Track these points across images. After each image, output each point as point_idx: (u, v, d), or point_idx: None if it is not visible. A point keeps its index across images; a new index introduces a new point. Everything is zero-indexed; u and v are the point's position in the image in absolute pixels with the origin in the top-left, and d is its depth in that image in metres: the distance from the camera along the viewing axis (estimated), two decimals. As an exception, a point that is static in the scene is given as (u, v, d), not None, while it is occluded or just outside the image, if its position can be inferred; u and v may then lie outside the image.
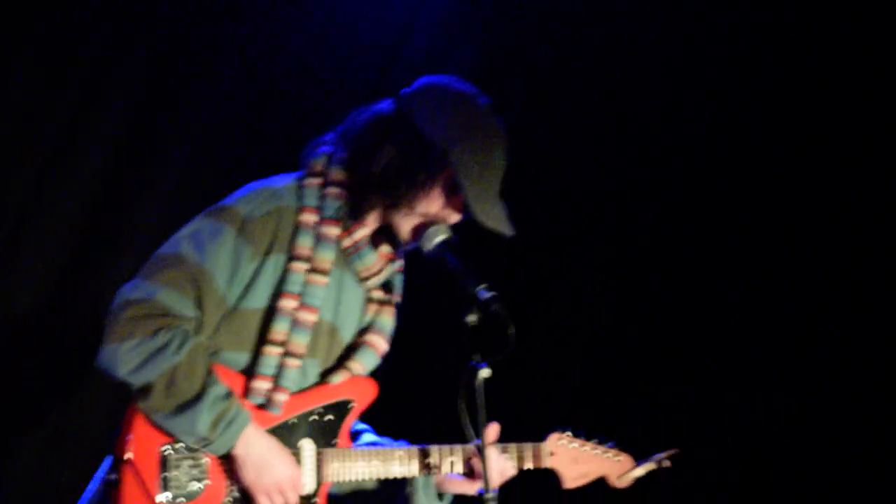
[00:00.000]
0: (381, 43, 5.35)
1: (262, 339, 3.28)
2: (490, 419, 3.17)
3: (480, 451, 3.20)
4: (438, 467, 3.43)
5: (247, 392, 3.28)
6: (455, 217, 3.33)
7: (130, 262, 4.71)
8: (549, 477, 3.61)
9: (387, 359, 3.53)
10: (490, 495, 3.17)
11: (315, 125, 3.56)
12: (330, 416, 3.39)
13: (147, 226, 4.87)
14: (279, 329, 3.27)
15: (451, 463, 3.44)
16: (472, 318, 3.13)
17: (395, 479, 3.44)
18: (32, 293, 4.77)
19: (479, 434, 3.14)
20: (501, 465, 3.46)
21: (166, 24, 4.90)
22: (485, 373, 3.11)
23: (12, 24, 4.65)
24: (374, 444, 3.48)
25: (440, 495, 3.53)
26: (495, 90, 3.44)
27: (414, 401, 4.99)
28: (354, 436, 3.53)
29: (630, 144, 5.53)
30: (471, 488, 3.46)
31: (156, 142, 4.94)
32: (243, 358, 3.31)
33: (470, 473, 3.46)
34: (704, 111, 5.46)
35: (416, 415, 4.30)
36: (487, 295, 3.14)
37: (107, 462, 3.28)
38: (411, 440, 3.50)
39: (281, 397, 3.29)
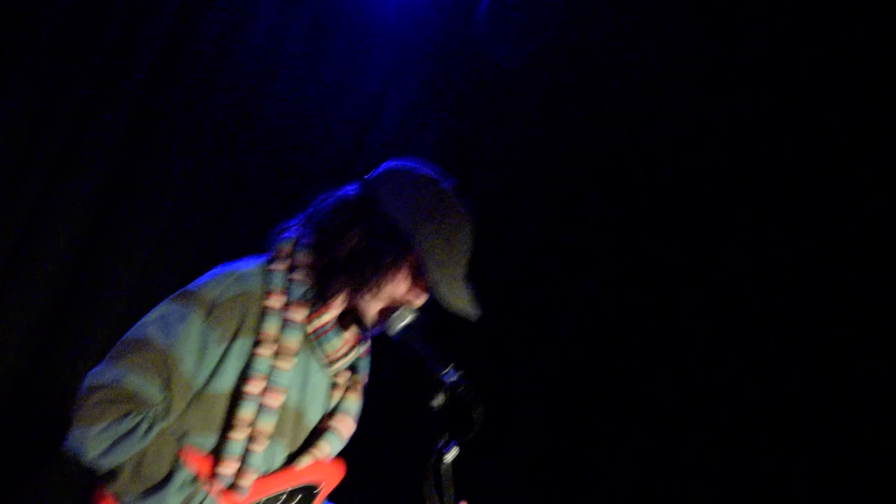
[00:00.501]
0: (349, 123, 5.40)
1: (229, 422, 3.29)
2: (456, 495, 3.16)
3: None
4: None
5: (214, 475, 3.27)
6: (421, 299, 3.35)
7: (130, 276, 4.75)
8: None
9: (357, 439, 3.54)
10: None
11: (284, 202, 3.59)
12: (294, 501, 3.38)
13: (147, 237, 4.95)
14: (245, 413, 3.27)
15: None
16: (437, 402, 3.15)
17: None
18: (36, 302, 4.79)
19: None
20: None
21: (145, 83, 4.94)
22: (451, 455, 3.12)
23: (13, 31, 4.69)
24: None
25: None
26: (464, 165, 3.46)
27: (387, 479, 4.99)
28: None
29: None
30: None
31: (123, 222, 4.99)
32: (210, 440, 3.30)
33: None
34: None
35: (389, 494, 4.29)
36: (453, 377, 3.17)
37: None
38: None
39: (247, 481, 3.28)
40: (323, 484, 3.43)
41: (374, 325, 3.38)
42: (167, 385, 3.22)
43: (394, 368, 3.62)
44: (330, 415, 3.49)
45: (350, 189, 3.41)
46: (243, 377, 3.29)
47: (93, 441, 3.14)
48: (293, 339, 3.32)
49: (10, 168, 4.70)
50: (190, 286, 3.33)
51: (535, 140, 5.59)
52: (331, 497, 3.55)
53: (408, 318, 3.31)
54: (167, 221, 5.07)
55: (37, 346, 4.82)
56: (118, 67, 4.88)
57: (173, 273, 5.00)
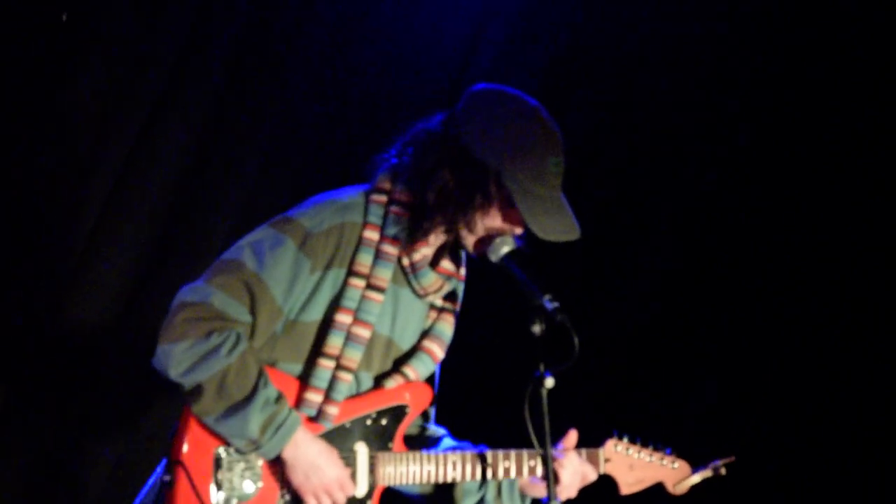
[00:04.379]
0: (449, 48, 5.38)
1: (317, 351, 3.32)
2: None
3: (544, 461, 3.20)
4: (494, 473, 3.43)
5: (299, 403, 3.32)
6: (518, 230, 3.33)
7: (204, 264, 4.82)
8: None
9: (451, 366, 3.55)
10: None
11: (384, 131, 3.60)
12: (384, 421, 3.40)
13: (222, 228, 4.94)
14: (333, 343, 3.31)
15: (506, 468, 3.44)
16: (536, 328, 3.15)
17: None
18: (109, 295, 4.87)
19: (543, 443, 3.15)
20: (583, 469, 3.48)
21: (243, 29, 4.97)
22: (549, 382, 3.14)
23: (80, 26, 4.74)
24: (450, 448, 3.48)
25: (523, 497, 3.54)
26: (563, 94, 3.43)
27: (480, 407, 5.02)
28: (433, 441, 3.56)
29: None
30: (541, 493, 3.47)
31: (228, 148, 5.01)
32: (297, 369, 3.35)
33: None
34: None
35: (483, 421, 4.33)
36: (552, 305, 3.15)
37: (163, 463, 3.31)
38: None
39: (332, 410, 3.32)
40: (411, 405, 3.45)
41: (474, 253, 3.37)
42: (254, 308, 3.25)
43: (490, 294, 3.62)
44: (423, 337, 3.50)
45: (439, 120, 3.39)
46: (333, 307, 3.32)
47: (178, 357, 3.17)
48: (385, 273, 3.34)
49: (94, 137, 4.76)
50: (290, 212, 3.35)
51: (637, 81, 5.54)
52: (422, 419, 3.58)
53: (506, 247, 3.30)
54: (260, 172, 5.10)
55: (124, 308, 4.87)
56: (207, 23, 4.92)
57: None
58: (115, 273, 4.83)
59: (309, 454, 3.25)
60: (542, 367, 3.15)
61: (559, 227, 3.29)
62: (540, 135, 3.30)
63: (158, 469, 3.33)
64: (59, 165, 4.69)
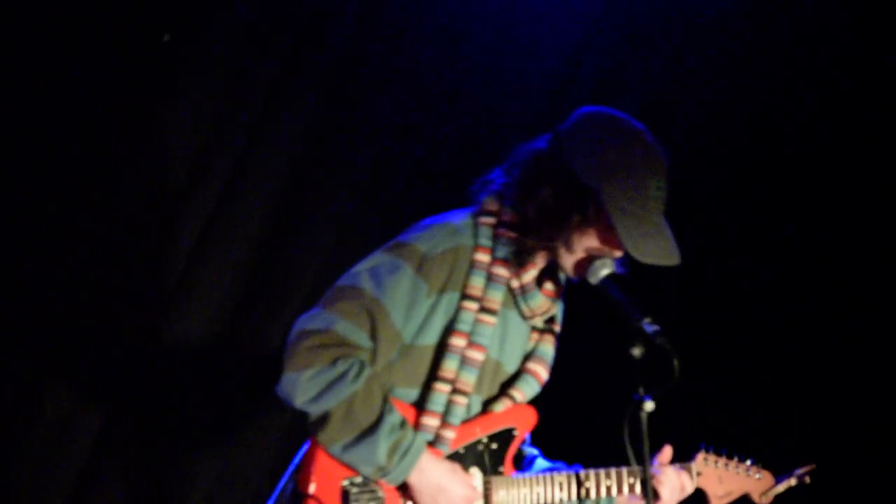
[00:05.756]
0: (551, 69, 5.37)
1: (432, 375, 3.35)
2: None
3: (643, 483, 3.26)
4: (597, 492, 3.45)
5: (416, 428, 3.34)
6: (617, 252, 3.33)
7: (307, 281, 4.87)
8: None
9: (551, 387, 3.57)
10: None
11: (483, 152, 3.61)
12: (494, 445, 3.43)
13: (324, 245, 5.02)
14: (449, 367, 3.33)
15: (608, 486, 3.45)
16: (636, 352, 3.14)
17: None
18: (215, 307, 4.94)
19: (642, 464, 3.20)
20: (682, 484, 3.51)
21: (341, 51, 5.02)
22: (649, 406, 3.14)
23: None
24: (547, 469, 3.52)
25: None
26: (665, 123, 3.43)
27: (583, 427, 5.00)
28: (527, 461, 3.59)
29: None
30: None
31: (325, 168, 5.09)
32: (413, 394, 3.38)
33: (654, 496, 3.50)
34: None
35: (585, 441, 4.32)
36: (652, 328, 3.15)
37: (278, 488, 3.37)
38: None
39: (449, 434, 3.35)
40: (519, 427, 3.47)
41: (573, 275, 3.39)
42: (375, 333, 3.27)
43: (589, 316, 3.61)
44: (527, 359, 3.53)
45: (542, 141, 3.41)
46: (448, 331, 3.34)
47: (304, 386, 3.20)
48: (497, 296, 3.36)
49: (203, 147, 4.86)
50: (402, 237, 3.38)
51: (745, 97, 5.48)
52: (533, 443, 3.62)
53: (606, 270, 3.31)
54: (369, 174, 5.15)
55: (231, 319, 4.95)
56: (303, 48, 4.98)
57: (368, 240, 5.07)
58: (216, 289, 4.91)
59: (434, 476, 3.27)
60: (641, 391, 3.14)
61: (657, 250, 3.28)
62: (643, 157, 3.30)
63: (273, 495, 3.38)
64: (161, 186, 4.79)
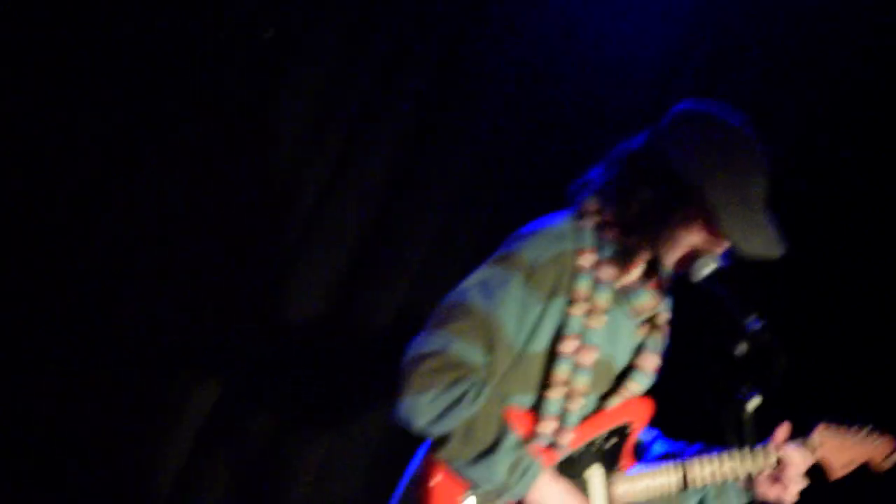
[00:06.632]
0: (649, 71, 5.34)
1: (545, 381, 3.36)
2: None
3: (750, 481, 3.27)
4: (722, 475, 3.46)
5: (534, 433, 3.36)
6: (720, 248, 3.32)
7: (407, 279, 4.91)
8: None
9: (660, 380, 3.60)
10: None
11: (581, 152, 3.61)
12: (612, 442, 3.46)
13: (430, 227, 5.10)
14: (561, 372, 3.34)
15: (732, 468, 3.44)
16: (740, 349, 3.15)
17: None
18: (316, 302, 5.03)
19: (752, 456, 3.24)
20: (804, 461, 3.53)
21: (441, 50, 5.04)
22: (754, 403, 3.11)
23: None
24: (665, 455, 3.57)
25: (745, 493, 3.59)
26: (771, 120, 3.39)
27: (687, 423, 4.98)
28: (646, 448, 3.64)
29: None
30: (772, 493, 3.51)
31: (437, 145, 5.13)
32: (528, 400, 3.39)
33: (776, 479, 3.51)
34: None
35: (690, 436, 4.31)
36: (757, 326, 3.15)
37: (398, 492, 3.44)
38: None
39: (566, 437, 3.37)
40: (635, 421, 3.50)
41: (675, 272, 3.40)
42: (490, 349, 3.27)
43: (693, 312, 3.59)
44: (637, 353, 3.53)
45: (641, 139, 3.40)
46: (557, 337, 3.35)
47: (424, 409, 3.20)
48: (604, 298, 3.36)
49: (300, 155, 4.95)
50: (507, 248, 3.37)
51: (854, 90, 5.38)
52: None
53: (709, 266, 3.30)
54: (472, 171, 5.20)
55: (340, 301, 5.04)
56: (406, 47, 5.02)
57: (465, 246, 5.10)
58: (323, 276, 4.98)
59: (552, 494, 3.29)
60: (746, 388, 3.11)
61: (762, 243, 3.26)
62: (745, 152, 3.30)
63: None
64: (267, 180, 4.88)
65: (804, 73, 5.37)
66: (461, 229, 5.09)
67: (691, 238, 3.31)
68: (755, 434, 3.18)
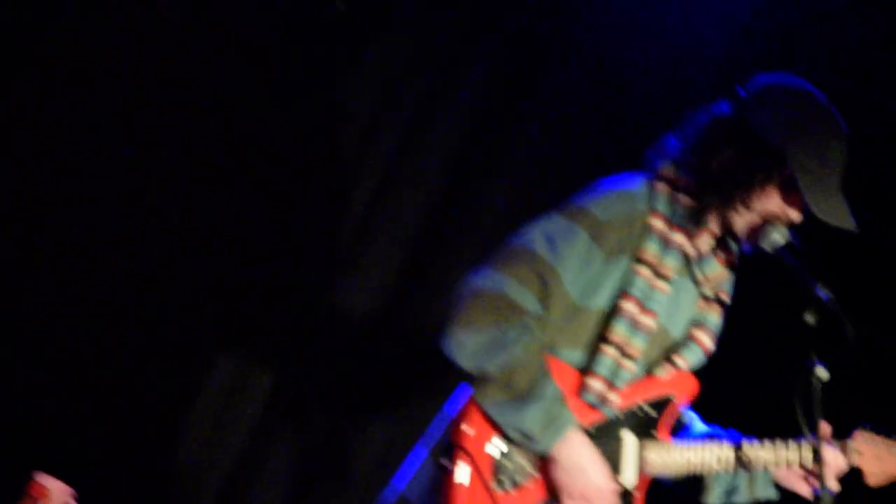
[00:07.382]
0: (721, 39, 5.34)
1: (600, 339, 3.34)
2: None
3: (815, 452, 3.24)
4: (750, 463, 3.44)
5: (581, 389, 3.35)
6: (794, 215, 3.33)
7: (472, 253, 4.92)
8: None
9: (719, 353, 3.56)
10: (825, 495, 3.18)
11: (657, 119, 3.61)
12: (652, 412, 3.43)
13: (489, 219, 5.06)
14: (618, 331, 3.32)
15: (766, 460, 3.44)
16: (810, 318, 3.13)
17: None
18: (377, 286, 5.03)
19: (815, 433, 3.16)
20: (837, 462, 3.48)
21: (514, 21, 5.07)
22: (822, 374, 3.11)
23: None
24: (702, 435, 3.52)
25: (776, 486, 3.57)
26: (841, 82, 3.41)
27: (747, 394, 4.97)
28: (683, 427, 3.59)
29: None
30: (803, 486, 3.49)
31: (498, 137, 5.11)
32: (577, 356, 3.37)
33: (807, 471, 3.47)
34: None
35: (748, 409, 4.29)
36: (827, 295, 3.14)
37: (421, 446, 3.42)
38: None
39: (614, 398, 3.35)
40: (678, 396, 3.46)
41: (748, 240, 3.38)
42: (546, 298, 3.27)
43: (759, 284, 3.60)
44: (694, 326, 3.51)
45: (722, 106, 3.41)
46: (620, 296, 3.34)
47: (469, 345, 3.22)
48: (673, 262, 3.36)
49: (357, 149, 4.96)
50: (579, 200, 3.37)
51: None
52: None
53: (780, 235, 3.30)
54: (521, 168, 5.17)
55: (395, 293, 5.03)
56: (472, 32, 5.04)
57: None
58: (382, 265, 5.00)
59: (577, 456, 3.26)
60: (814, 357, 3.12)
61: (838, 212, 3.28)
62: (826, 120, 3.32)
63: (419, 451, 3.42)
64: (328, 168, 4.91)
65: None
66: (519, 225, 5.12)
67: (765, 203, 3.32)
68: (822, 407, 3.16)
